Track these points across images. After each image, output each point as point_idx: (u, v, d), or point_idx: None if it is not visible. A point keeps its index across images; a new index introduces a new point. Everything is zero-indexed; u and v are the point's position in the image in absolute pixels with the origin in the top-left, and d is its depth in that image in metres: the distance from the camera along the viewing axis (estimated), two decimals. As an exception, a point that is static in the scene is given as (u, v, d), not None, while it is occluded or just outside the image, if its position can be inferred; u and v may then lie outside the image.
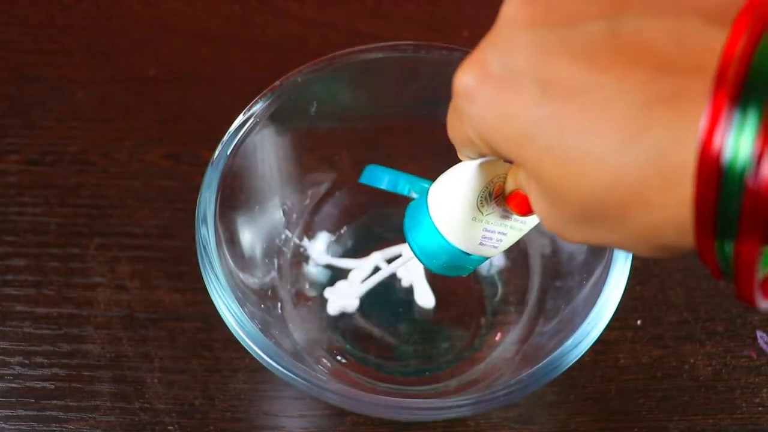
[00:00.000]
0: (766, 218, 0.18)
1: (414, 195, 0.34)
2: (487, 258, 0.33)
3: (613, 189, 0.21)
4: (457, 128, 0.27)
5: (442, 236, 0.31)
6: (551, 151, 0.22)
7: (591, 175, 0.21)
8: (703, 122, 0.18)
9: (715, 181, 0.18)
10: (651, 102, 0.20)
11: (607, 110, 0.20)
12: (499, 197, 0.31)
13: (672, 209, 0.20)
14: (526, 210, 0.30)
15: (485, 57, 0.24)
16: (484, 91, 0.23)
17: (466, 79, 0.24)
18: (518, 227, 0.32)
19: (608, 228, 0.22)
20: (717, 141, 0.18)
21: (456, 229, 0.31)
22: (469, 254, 0.32)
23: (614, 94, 0.20)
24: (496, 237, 0.32)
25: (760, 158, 0.17)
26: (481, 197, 0.30)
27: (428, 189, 0.32)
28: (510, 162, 0.30)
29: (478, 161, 0.30)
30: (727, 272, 0.20)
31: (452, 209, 0.31)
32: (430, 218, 0.31)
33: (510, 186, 0.30)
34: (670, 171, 0.19)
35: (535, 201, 0.25)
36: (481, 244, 0.31)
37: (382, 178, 0.35)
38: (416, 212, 0.32)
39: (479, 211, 0.31)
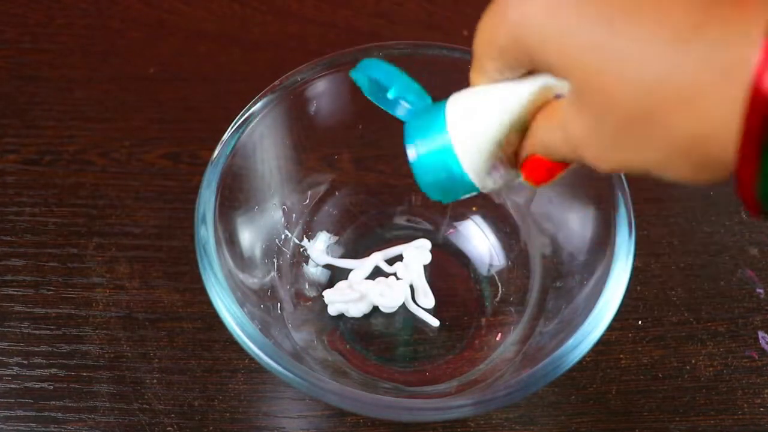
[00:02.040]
0: None
1: (406, 105, 0.32)
2: (476, 191, 0.30)
3: (662, 87, 0.20)
4: (491, 31, 0.26)
5: (455, 154, 0.29)
6: (601, 48, 0.21)
7: (640, 72, 0.20)
8: (756, 60, 0.18)
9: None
10: (709, 3, 0.19)
11: (662, 5, 0.20)
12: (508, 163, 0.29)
13: (721, 111, 0.19)
14: (540, 177, 0.29)
15: None
16: None
17: None
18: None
19: (650, 139, 0.21)
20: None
21: (473, 153, 0.29)
22: (468, 181, 0.30)
23: None
24: (500, 173, 0.30)
25: None
26: (507, 131, 0.28)
27: (437, 104, 0.30)
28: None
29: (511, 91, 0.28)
30: (765, 199, 0.19)
31: (477, 133, 0.28)
32: (447, 132, 0.29)
33: (526, 150, 0.29)
34: (722, 69, 0.19)
35: (573, 120, 0.24)
36: (488, 174, 0.29)
37: (375, 70, 0.32)
38: (429, 121, 0.30)
39: (499, 143, 0.28)
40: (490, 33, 0.26)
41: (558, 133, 0.26)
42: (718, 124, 0.19)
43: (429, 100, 0.32)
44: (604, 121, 0.23)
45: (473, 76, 0.29)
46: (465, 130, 0.29)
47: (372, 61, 0.33)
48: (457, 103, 0.29)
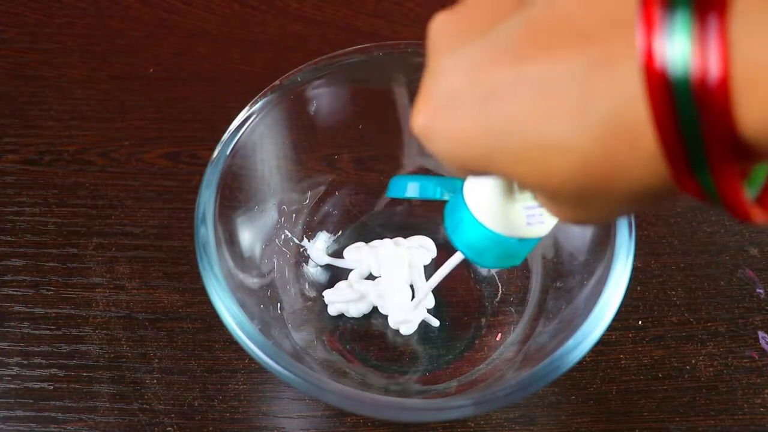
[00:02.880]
0: (725, 126, 0.18)
1: (446, 197, 0.34)
2: (539, 239, 0.32)
3: (586, 169, 0.20)
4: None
5: (487, 228, 0.30)
6: (517, 155, 0.22)
7: (561, 164, 0.21)
8: (638, 41, 0.18)
9: (669, 102, 0.18)
10: (585, 72, 0.19)
11: (549, 96, 0.20)
12: None
13: (645, 165, 0.19)
14: None
15: (427, 93, 0.24)
16: (437, 125, 0.24)
17: (418, 121, 0.24)
18: None
19: (605, 202, 0.22)
20: (657, 56, 0.18)
21: (498, 217, 0.30)
22: (518, 239, 0.31)
23: (549, 78, 0.20)
24: (538, 212, 0.31)
25: (701, 58, 0.17)
26: (515, 189, 0.30)
27: (461, 186, 0.31)
28: None
29: None
30: (716, 199, 0.20)
31: (488, 198, 0.30)
32: (471, 214, 0.30)
33: None
34: (626, 129, 0.19)
35: (538, 199, 0.25)
36: (528, 224, 0.31)
37: (409, 187, 0.34)
38: (455, 211, 0.32)
39: (513, 192, 0.30)
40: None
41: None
42: (650, 173, 0.20)
43: (460, 185, 0.33)
44: (559, 202, 0.24)
45: None
46: (484, 207, 0.30)
47: (398, 184, 0.35)
48: (469, 187, 0.31)
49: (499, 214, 0.30)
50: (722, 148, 0.18)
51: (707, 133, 0.18)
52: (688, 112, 0.18)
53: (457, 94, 0.22)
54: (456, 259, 0.37)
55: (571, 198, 0.22)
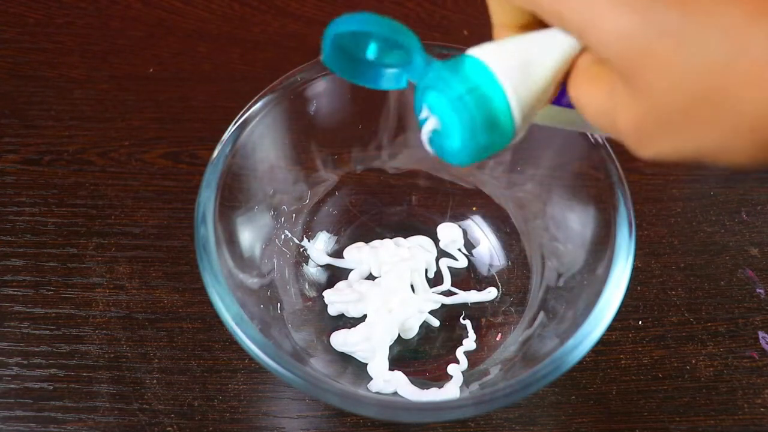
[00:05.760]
0: None
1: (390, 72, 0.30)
2: (508, 141, 0.28)
3: (731, 66, 0.20)
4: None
5: (508, 103, 0.27)
6: (670, 35, 0.21)
7: (710, 53, 0.20)
8: None
9: None
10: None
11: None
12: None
13: None
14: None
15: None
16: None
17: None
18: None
19: (712, 121, 0.21)
20: None
21: (527, 103, 0.27)
22: (511, 130, 0.28)
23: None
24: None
25: None
26: (552, 82, 0.27)
27: (465, 57, 0.28)
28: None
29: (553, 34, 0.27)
30: None
31: (533, 84, 0.27)
32: (499, 84, 0.27)
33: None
34: None
35: (624, 105, 0.24)
36: (531, 120, 0.28)
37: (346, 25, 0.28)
38: (466, 77, 0.28)
39: (546, 92, 0.27)
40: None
41: (602, 109, 0.25)
42: None
43: (423, 59, 0.29)
44: (662, 105, 0.22)
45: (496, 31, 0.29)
46: (523, 83, 0.27)
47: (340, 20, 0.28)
48: (501, 54, 0.28)
49: (529, 103, 0.27)
50: None
51: None
52: None
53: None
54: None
55: (685, 104, 0.21)
